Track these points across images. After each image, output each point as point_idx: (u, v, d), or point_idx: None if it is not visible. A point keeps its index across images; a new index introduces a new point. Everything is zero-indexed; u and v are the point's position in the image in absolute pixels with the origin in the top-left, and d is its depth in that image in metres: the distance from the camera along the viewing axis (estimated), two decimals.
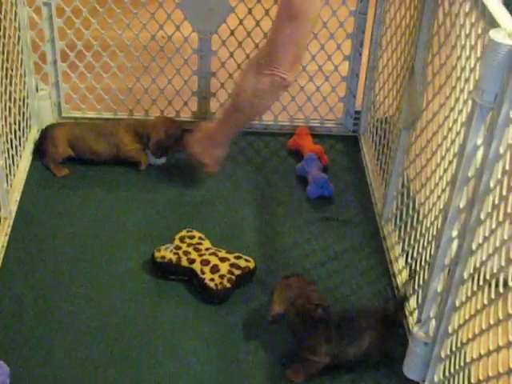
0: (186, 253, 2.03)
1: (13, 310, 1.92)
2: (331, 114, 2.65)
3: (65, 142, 2.40)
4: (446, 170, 1.70)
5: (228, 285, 1.96)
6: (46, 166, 2.42)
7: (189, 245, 2.06)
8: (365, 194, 2.40)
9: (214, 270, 1.98)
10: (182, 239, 2.07)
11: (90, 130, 2.43)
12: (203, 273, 1.98)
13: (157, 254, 2.03)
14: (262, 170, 2.46)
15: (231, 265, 2.00)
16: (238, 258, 2.03)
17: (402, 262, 2.08)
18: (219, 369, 1.81)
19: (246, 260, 2.03)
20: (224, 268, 1.99)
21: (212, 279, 1.96)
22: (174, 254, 2.02)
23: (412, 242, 1.98)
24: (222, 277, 1.97)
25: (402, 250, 2.08)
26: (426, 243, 1.86)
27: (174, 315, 1.94)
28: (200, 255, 2.03)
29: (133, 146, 2.42)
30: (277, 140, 2.60)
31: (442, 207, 1.71)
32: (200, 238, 2.09)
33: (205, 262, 2.00)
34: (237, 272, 1.99)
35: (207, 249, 2.05)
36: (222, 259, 2.02)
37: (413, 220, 2.00)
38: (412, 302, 1.93)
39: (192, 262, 2.01)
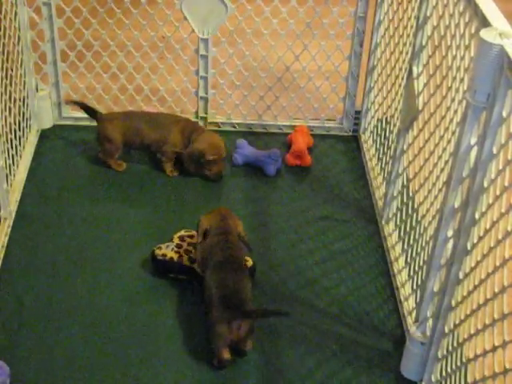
0: (188, 251, 2.03)
1: (13, 310, 1.93)
2: (331, 114, 2.65)
3: (119, 136, 2.37)
4: (442, 170, 1.70)
5: None
6: (103, 162, 2.40)
7: (189, 244, 2.06)
8: (365, 194, 2.40)
9: None
10: (181, 238, 2.07)
11: (142, 121, 2.39)
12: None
13: (157, 252, 2.03)
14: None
15: None
16: None
17: (401, 261, 2.07)
18: (217, 368, 1.81)
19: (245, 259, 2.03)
20: None
21: None
22: (176, 252, 2.03)
23: (412, 241, 1.98)
24: None
25: (402, 250, 2.08)
26: (424, 243, 1.86)
27: (174, 315, 1.94)
28: None
29: (175, 148, 2.37)
30: (277, 140, 2.60)
31: (439, 207, 1.71)
32: None
33: None
34: None
35: None
36: None
37: (412, 220, 1.99)
38: (411, 302, 1.94)
39: (193, 261, 2.01)
